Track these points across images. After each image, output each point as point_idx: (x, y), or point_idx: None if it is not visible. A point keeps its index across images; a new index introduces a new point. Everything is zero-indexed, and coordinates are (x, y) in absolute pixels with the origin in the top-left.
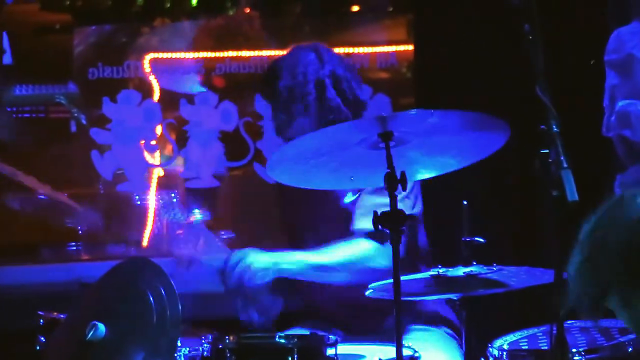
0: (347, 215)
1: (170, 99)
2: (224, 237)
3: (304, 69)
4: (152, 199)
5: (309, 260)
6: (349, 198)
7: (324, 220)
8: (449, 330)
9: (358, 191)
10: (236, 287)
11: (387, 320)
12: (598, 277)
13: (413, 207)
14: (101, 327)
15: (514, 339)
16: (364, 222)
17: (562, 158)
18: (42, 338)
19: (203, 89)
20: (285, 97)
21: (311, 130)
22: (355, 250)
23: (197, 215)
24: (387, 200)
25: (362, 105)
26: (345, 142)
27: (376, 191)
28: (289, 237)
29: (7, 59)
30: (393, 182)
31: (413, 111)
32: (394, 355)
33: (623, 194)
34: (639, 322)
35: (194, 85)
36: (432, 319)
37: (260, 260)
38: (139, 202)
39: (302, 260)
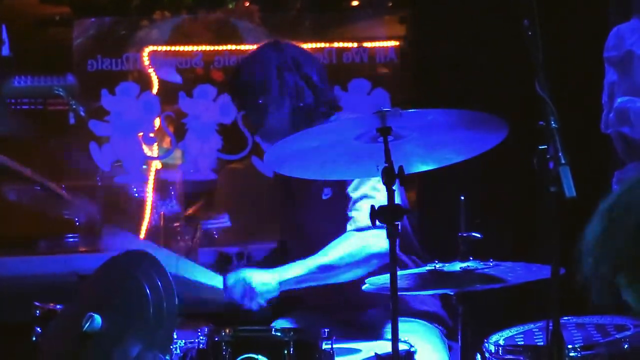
0: (330, 210)
1: (169, 91)
2: (222, 224)
3: (262, 60)
4: (149, 191)
5: (314, 264)
6: (326, 195)
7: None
8: (429, 322)
9: (332, 190)
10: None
11: (368, 312)
12: (613, 252)
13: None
14: (97, 318)
15: (510, 334)
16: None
17: (560, 154)
18: (39, 329)
19: (202, 82)
20: (252, 91)
21: (284, 121)
22: (353, 242)
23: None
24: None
25: (324, 94)
26: (344, 136)
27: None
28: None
29: (6, 50)
30: (391, 176)
31: (411, 110)
32: (389, 349)
33: None
34: None
35: (192, 78)
36: (412, 312)
37: (264, 282)
38: (136, 194)
39: (306, 266)
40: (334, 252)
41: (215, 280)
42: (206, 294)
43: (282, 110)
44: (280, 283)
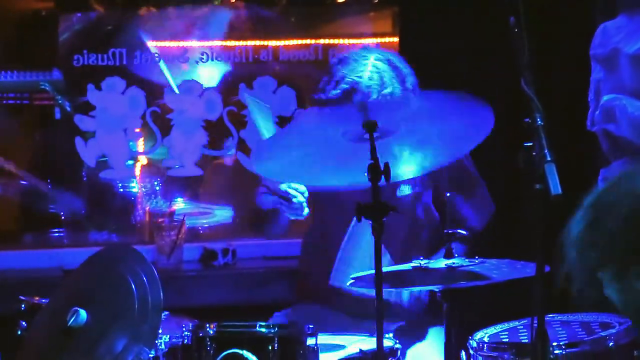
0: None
1: (155, 87)
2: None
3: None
4: (135, 187)
5: None
6: (403, 191)
7: None
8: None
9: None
10: None
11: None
12: (597, 247)
13: None
14: (83, 313)
15: (495, 331)
16: None
17: (545, 151)
18: (24, 323)
19: (187, 78)
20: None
21: None
22: None
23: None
24: None
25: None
26: (329, 134)
27: None
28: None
29: None
30: (376, 173)
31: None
32: (374, 345)
33: (635, 167)
34: (627, 298)
35: (178, 73)
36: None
37: None
38: (121, 190)
39: None
40: None
41: None
42: None
43: None
44: None
